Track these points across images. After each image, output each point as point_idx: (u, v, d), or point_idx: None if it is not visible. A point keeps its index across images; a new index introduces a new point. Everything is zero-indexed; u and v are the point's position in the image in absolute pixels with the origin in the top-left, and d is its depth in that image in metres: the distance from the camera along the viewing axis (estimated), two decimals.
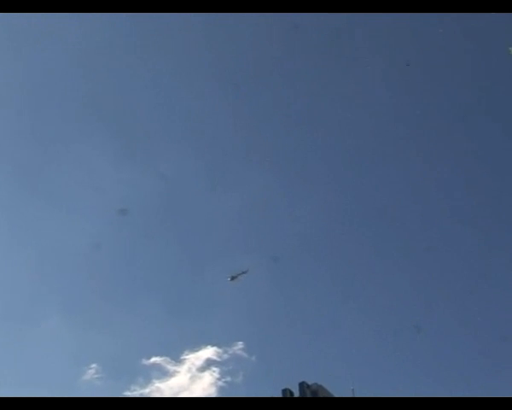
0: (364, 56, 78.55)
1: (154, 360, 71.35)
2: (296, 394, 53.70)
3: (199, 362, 71.83)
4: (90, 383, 69.84)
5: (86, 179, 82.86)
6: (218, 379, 71.12)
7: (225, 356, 71.55)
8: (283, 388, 53.49)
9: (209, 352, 71.77)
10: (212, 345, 71.80)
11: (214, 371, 71.41)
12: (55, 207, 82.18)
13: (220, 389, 70.14)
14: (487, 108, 78.04)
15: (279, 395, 52.84)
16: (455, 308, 71.69)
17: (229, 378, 70.79)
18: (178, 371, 71.68)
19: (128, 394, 66.40)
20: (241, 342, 71.19)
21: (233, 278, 64.72)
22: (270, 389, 52.71)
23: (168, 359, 71.81)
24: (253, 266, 68.55)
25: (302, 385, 54.06)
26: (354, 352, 71.00)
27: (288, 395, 52.93)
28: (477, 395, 33.83)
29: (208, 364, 71.71)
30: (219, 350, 71.61)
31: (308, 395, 53.19)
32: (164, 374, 71.11)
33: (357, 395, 50.63)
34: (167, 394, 67.91)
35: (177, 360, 72.22)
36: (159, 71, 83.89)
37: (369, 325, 71.84)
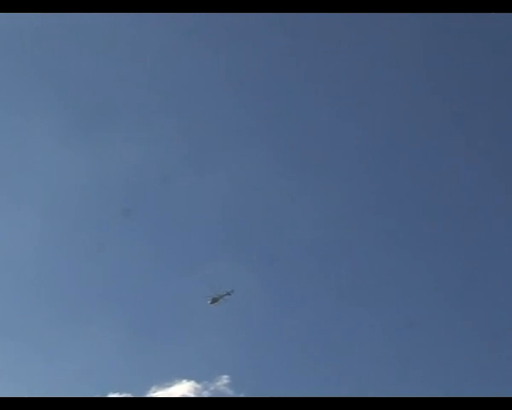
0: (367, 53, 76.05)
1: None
2: None
3: None
4: None
5: (28, 164, 73.17)
6: None
7: (206, 393, 64.72)
8: None
9: (185, 388, 64.88)
10: (189, 379, 65.19)
11: None
12: None
13: None
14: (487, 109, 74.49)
15: None
16: (453, 308, 67.05)
17: None
18: None
19: None
20: (226, 376, 65.15)
21: (214, 301, 62.40)
22: None
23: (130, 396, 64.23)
24: (241, 276, 65.07)
25: None
26: (360, 385, 62.50)
27: None
28: (476, 395, 38.93)
29: None
30: (198, 386, 64.99)
31: None
32: None
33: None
34: None
35: None
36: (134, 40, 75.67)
37: (374, 346, 65.30)
